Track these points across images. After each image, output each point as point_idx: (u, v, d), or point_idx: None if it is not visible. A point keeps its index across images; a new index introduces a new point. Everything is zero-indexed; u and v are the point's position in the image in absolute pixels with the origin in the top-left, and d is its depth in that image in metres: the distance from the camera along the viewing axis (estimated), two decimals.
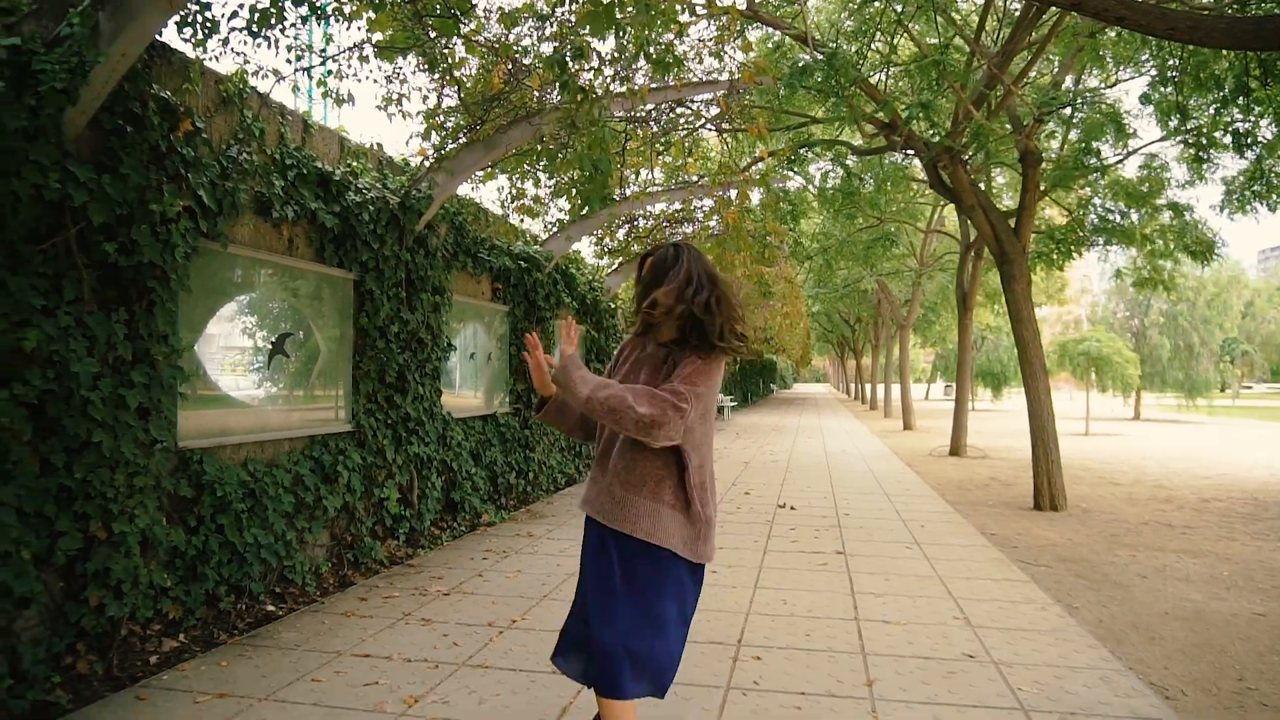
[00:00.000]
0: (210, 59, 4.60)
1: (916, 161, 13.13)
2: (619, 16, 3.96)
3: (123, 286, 3.93)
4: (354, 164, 6.08)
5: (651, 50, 5.34)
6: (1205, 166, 10.02)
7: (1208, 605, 5.30)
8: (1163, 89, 9.08)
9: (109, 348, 3.81)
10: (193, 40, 4.34)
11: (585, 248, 12.52)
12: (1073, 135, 11.36)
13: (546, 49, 5.76)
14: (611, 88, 6.24)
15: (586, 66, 5.32)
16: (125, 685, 3.66)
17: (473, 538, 7.06)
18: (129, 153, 3.88)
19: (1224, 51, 7.82)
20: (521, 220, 9.40)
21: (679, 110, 9.07)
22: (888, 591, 5.42)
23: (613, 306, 12.18)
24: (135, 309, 3.96)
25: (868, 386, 42.57)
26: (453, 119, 6.71)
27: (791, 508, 8.89)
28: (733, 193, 9.29)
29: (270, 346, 5.42)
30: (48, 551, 3.56)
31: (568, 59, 4.18)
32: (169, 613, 4.20)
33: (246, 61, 4.92)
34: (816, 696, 3.62)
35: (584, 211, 9.31)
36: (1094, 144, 9.83)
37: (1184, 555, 6.79)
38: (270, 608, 4.82)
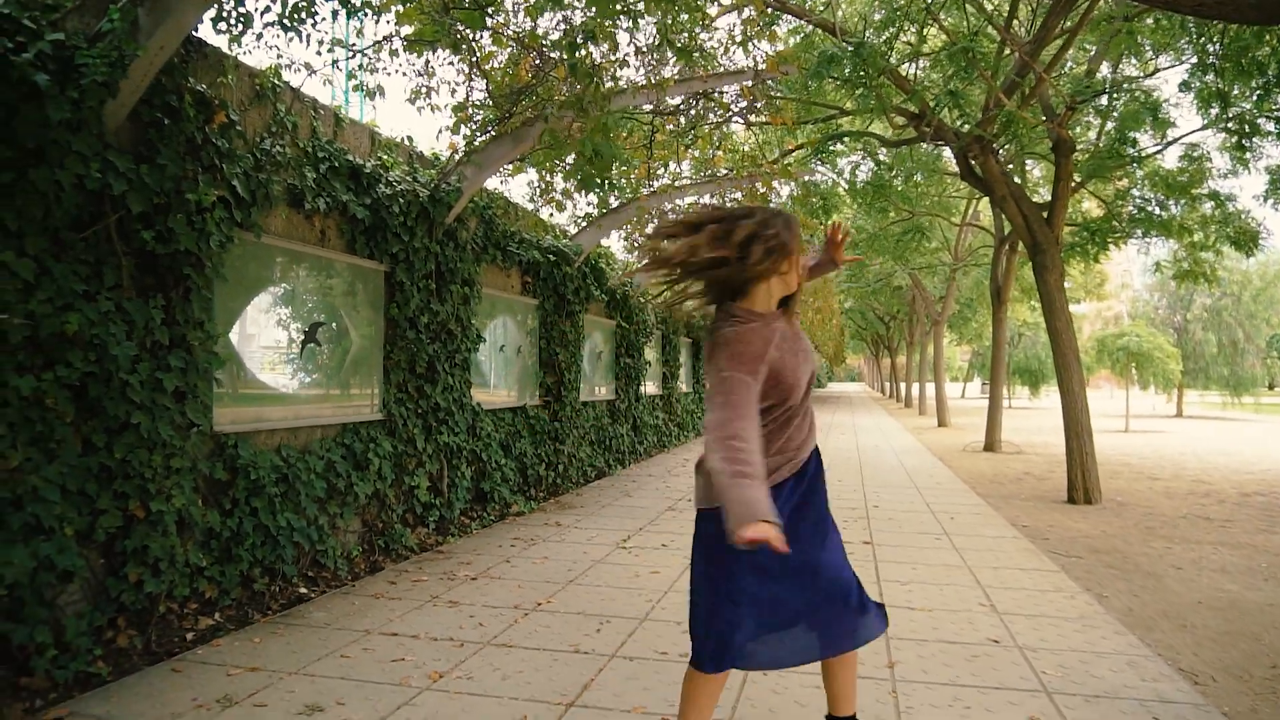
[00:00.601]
0: (244, 53, 4.72)
1: (948, 153, 12.99)
2: (637, 6, 3.99)
3: (160, 273, 4.05)
4: (384, 157, 6.19)
5: (676, 40, 5.38)
6: (1248, 155, 9.80)
7: (1243, 595, 5.20)
8: (1203, 76, 8.90)
9: (147, 332, 3.93)
10: (227, 35, 4.46)
11: (615, 243, 12.58)
12: (1109, 126, 11.16)
13: None
14: (634, 79, 6.28)
15: (603, 55, 5.35)
16: (162, 659, 3.78)
17: (501, 526, 7.15)
18: (166, 144, 4.00)
19: (1266, 36, 7.64)
20: (551, 214, 9.48)
21: (706, 103, 9.07)
22: (914, 579, 5.40)
23: (643, 301, 12.21)
24: (172, 295, 4.09)
25: (902, 384, 42.15)
26: (481, 112, 6.80)
27: None
28: (759, 185, 9.28)
29: (303, 336, 5.55)
30: (89, 529, 3.69)
31: (579, 40, 4.22)
32: (205, 592, 4.33)
33: (279, 55, 5.05)
34: None
35: (613, 205, 9.38)
36: (1131, 134, 9.66)
37: (1221, 547, 6.67)
38: (302, 590, 4.94)
